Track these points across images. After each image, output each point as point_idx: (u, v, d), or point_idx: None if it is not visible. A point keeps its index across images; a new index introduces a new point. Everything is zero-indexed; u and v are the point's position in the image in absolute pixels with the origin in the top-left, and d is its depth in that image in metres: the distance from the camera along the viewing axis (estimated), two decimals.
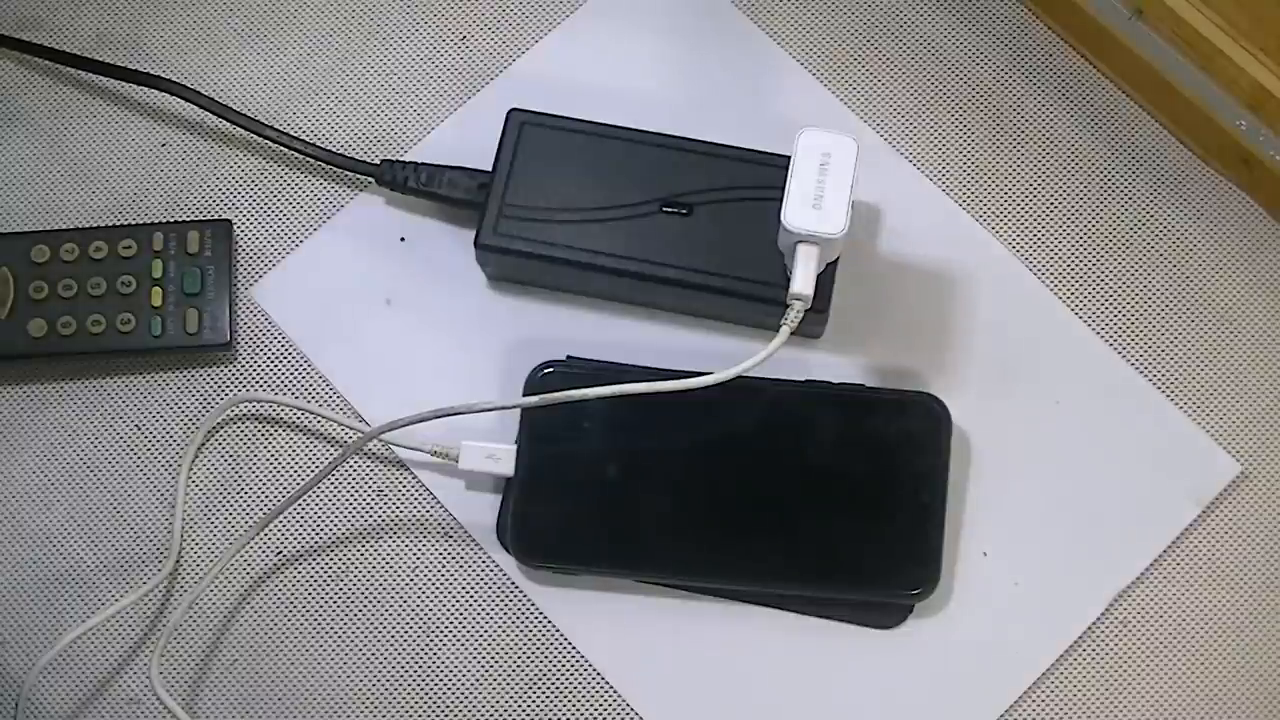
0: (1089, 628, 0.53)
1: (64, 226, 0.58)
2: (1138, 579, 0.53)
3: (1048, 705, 0.52)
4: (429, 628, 0.54)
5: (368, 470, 0.56)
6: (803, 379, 0.54)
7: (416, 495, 0.55)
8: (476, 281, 0.57)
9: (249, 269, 0.58)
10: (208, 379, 0.57)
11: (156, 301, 0.54)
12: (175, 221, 0.56)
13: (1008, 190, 0.58)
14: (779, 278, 0.52)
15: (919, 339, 0.56)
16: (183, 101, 0.59)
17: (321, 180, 0.60)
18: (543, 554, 0.53)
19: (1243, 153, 0.56)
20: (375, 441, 0.55)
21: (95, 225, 0.56)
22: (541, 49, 0.61)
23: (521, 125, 0.56)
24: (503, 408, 0.50)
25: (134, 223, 0.56)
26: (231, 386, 0.57)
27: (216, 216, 0.59)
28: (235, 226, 0.59)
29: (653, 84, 0.60)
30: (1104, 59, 0.59)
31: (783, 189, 0.50)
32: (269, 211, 0.59)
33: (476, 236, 0.55)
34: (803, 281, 0.50)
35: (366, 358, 0.57)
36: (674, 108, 0.59)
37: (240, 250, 0.59)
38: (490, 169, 0.55)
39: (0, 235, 0.57)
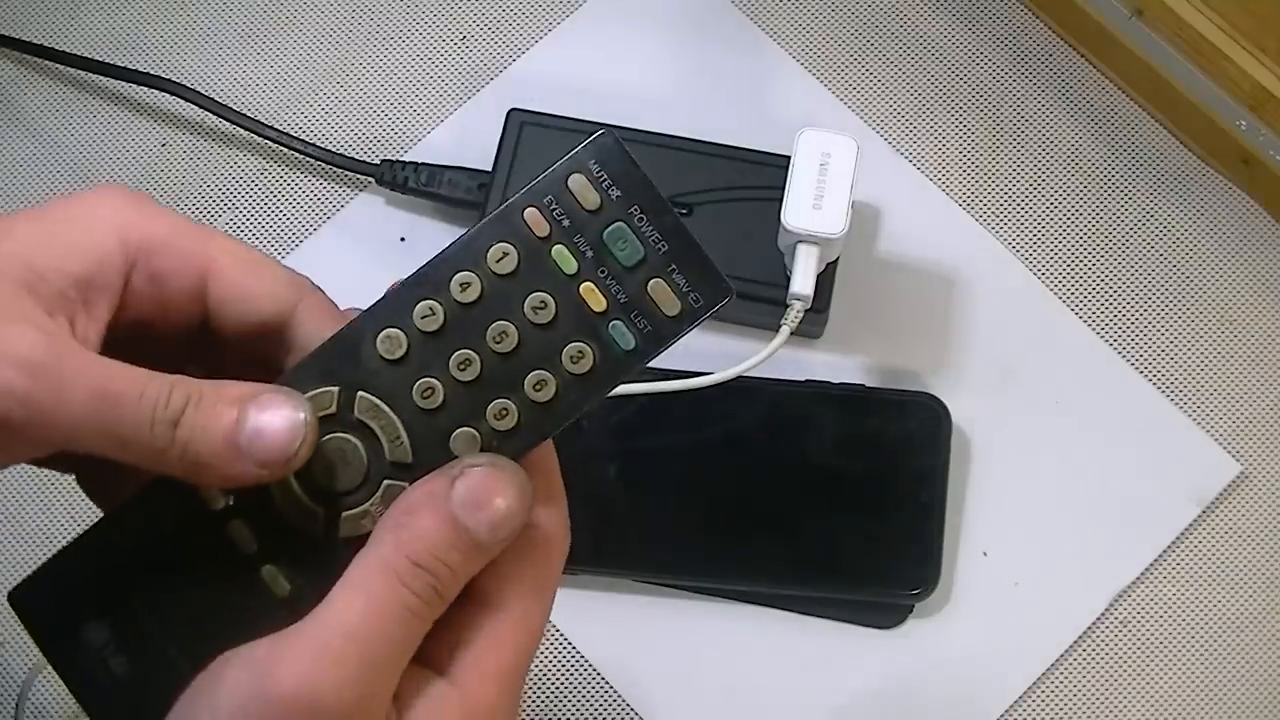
0: (1089, 628, 0.53)
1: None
2: (1138, 579, 0.53)
3: (1048, 705, 0.52)
4: None
5: None
6: (803, 379, 0.54)
7: None
8: None
9: None
10: None
11: (599, 304, 0.32)
12: (537, 179, 0.33)
13: (1008, 190, 0.58)
14: (779, 278, 0.52)
15: (919, 339, 0.56)
16: (183, 101, 0.59)
17: (321, 180, 0.60)
18: None
19: (1243, 153, 0.56)
20: None
21: (424, 264, 0.32)
22: (541, 49, 0.61)
23: (521, 125, 0.56)
24: None
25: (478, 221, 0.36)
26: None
27: (229, 217, 0.59)
28: (237, 227, 0.59)
29: (653, 84, 0.60)
30: (1104, 59, 0.59)
31: (783, 189, 0.50)
32: (269, 211, 0.59)
33: None
34: (803, 281, 0.50)
35: None
36: (674, 108, 0.59)
37: None
38: (490, 169, 0.55)
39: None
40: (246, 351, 0.33)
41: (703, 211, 0.54)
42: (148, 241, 0.32)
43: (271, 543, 0.31)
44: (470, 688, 0.31)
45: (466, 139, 0.59)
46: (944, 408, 0.53)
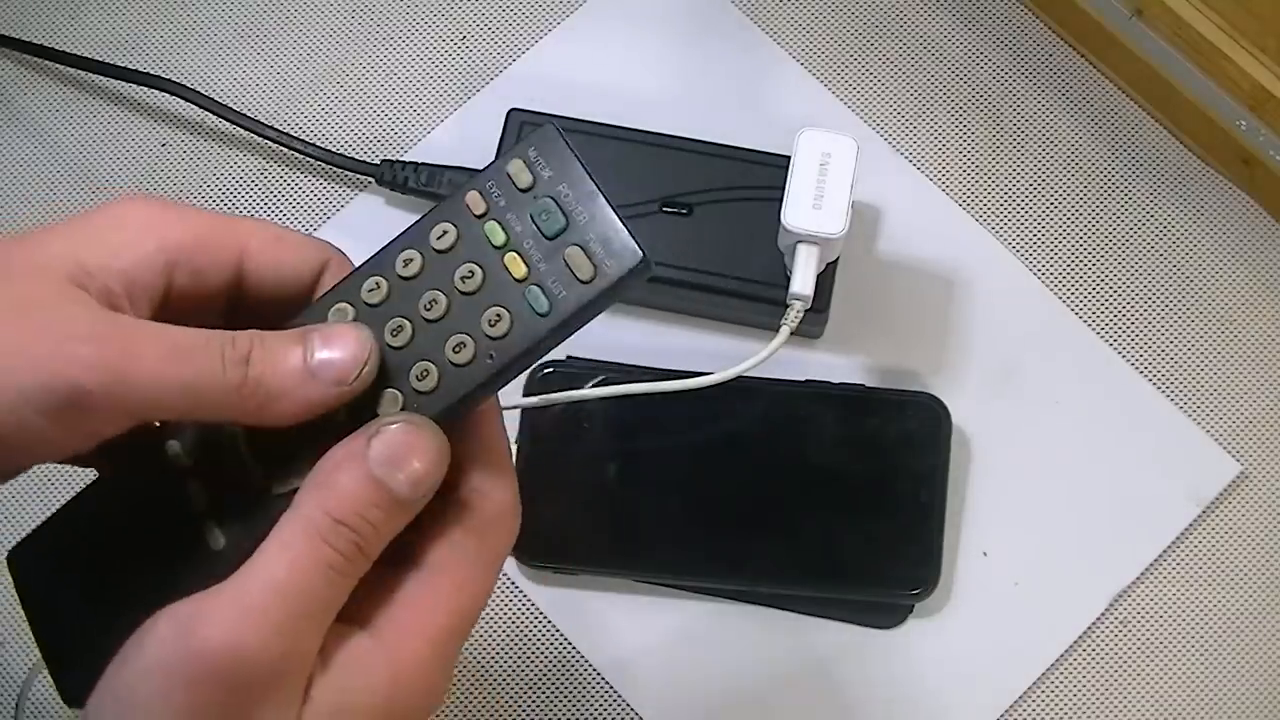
0: (1089, 628, 0.53)
1: None
2: (1138, 579, 0.53)
3: (1048, 705, 0.52)
4: None
5: None
6: (803, 379, 0.54)
7: None
8: None
9: None
10: None
11: (520, 271, 0.34)
12: (489, 166, 0.36)
13: (1008, 190, 0.58)
14: (779, 278, 0.52)
15: (919, 339, 0.56)
16: (183, 101, 0.59)
17: (321, 180, 0.60)
18: (543, 554, 0.53)
19: (1243, 153, 0.56)
20: None
21: (389, 241, 0.36)
22: (541, 49, 0.61)
23: (521, 125, 0.56)
24: (503, 409, 0.50)
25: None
26: None
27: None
28: None
29: (653, 84, 0.60)
30: (1104, 59, 0.59)
31: (783, 189, 0.50)
32: (269, 211, 0.59)
33: None
34: (803, 281, 0.50)
35: None
36: (674, 108, 0.59)
37: None
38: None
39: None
40: (278, 319, 0.35)
41: (703, 211, 0.54)
42: (185, 241, 0.34)
43: (217, 501, 0.33)
44: (395, 644, 0.32)
45: (466, 139, 0.59)
46: (944, 408, 0.53)
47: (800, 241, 0.50)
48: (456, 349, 0.34)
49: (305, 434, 0.33)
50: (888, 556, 0.52)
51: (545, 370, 0.54)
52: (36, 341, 0.30)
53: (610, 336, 0.56)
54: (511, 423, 0.54)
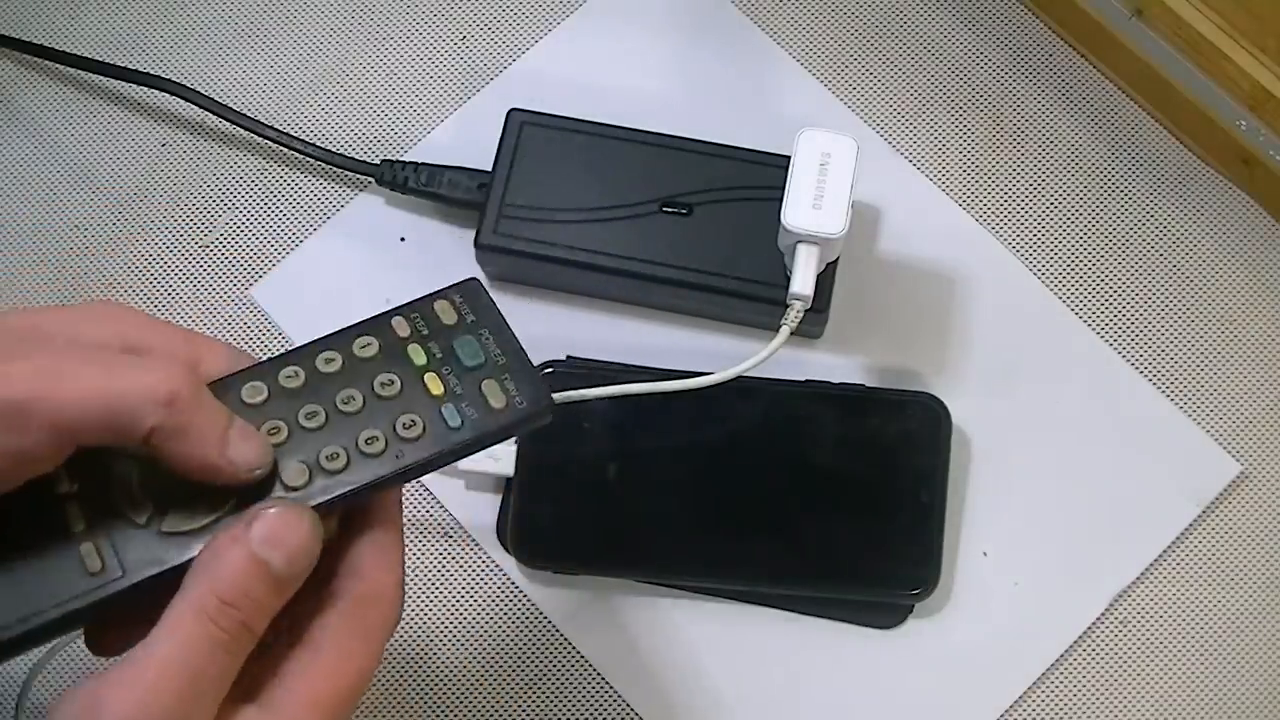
0: (1089, 628, 0.53)
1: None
2: (1138, 579, 0.53)
3: (1048, 705, 0.52)
4: (429, 628, 0.54)
5: None
6: (803, 379, 0.54)
7: (416, 495, 0.55)
8: None
9: (249, 269, 0.58)
10: None
11: (437, 390, 0.38)
12: (413, 300, 0.40)
13: (1008, 190, 0.58)
14: (779, 278, 0.52)
15: (919, 339, 0.56)
16: (183, 101, 0.59)
17: (321, 180, 0.60)
18: (543, 554, 0.53)
19: (1243, 153, 0.56)
20: None
21: (306, 342, 0.39)
22: (541, 49, 0.61)
23: (521, 125, 0.56)
24: None
25: (357, 321, 0.41)
26: None
27: (229, 217, 0.59)
28: (237, 227, 0.59)
29: (653, 84, 0.60)
30: (1104, 59, 0.59)
31: (783, 189, 0.50)
32: (269, 211, 0.59)
33: (476, 236, 0.55)
34: (803, 281, 0.50)
35: None
36: (674, 108, 0.59)
37: (240, 250, 0.59)
38: (490, 169, 0.55)
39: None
40: None
41: (703, 211, 0.54)
42: (145, 344, 0.36)
43: (98, 525, 0.35)
44: (285, 715, 0.34)
45: (466, 139, 0.59)
46: (944, 408, 0.53)
47: (800, 241, 0.50)
48: (369, 441, 0.37)
49: (198, 487, 0.35)
50: (888, 556, 0.52)
51: (545, 371, 0.54)
52: None
53: (610, 336, 0.56)
54: None
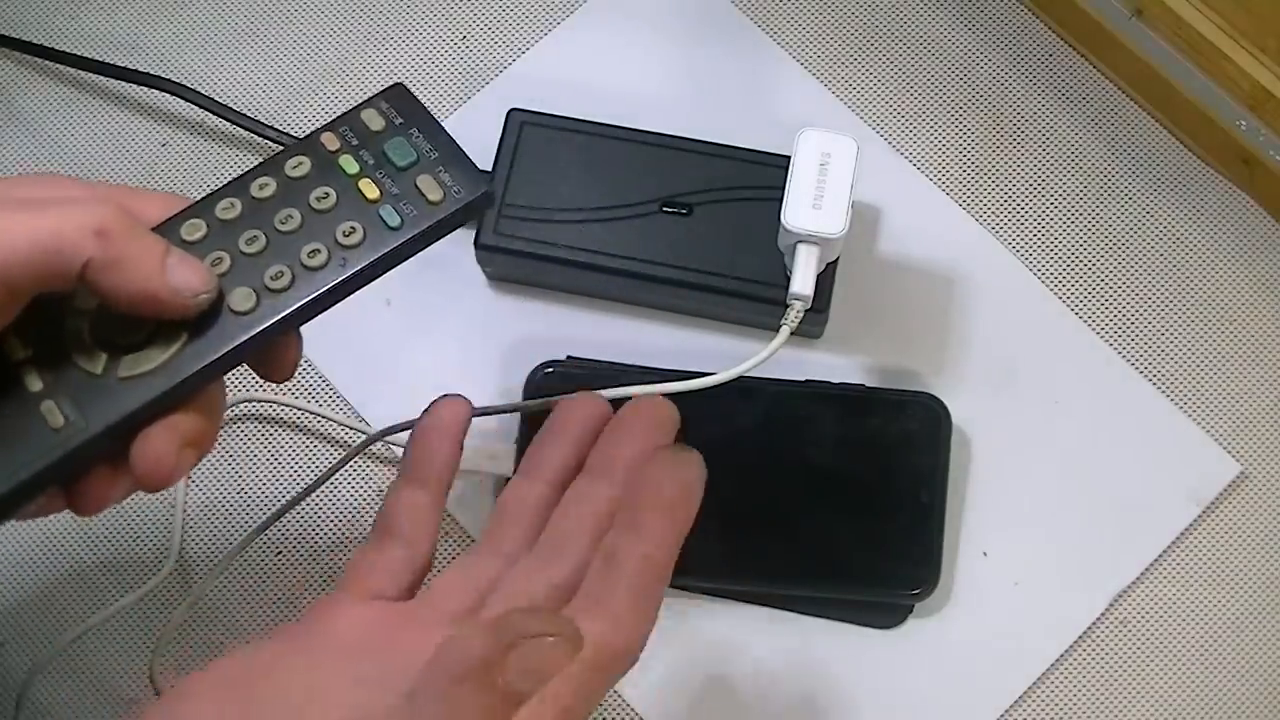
0: (1089, 628, 0.53)
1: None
2: (1138, 579, 0.53)
3: (1048, 705, 0.52)
4: None
5: (368, 470, 0.56)
6: (803, 379, 0.54)
7: None
8: (476, 281, 0.57)
9: None
10: None
11: (373, 194, 0.39)
12: (340, 115, 0.41)
13: (1008, 190, 0.58)
14: (779, 278, 0.52)
15: (919, 339, 0.56)
16: (183, 101, 0.59)
17: None
18: None
19: (1243, 153, 0.56)
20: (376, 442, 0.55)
21: (242, 173, 0.40)
22: (541, 49, 0.61)
23: (521, 125, 0.56)
24: (503, 410, 0.50)
25: (285, 140, 0.43)
26: (231, 387, 0.57)
27: None
28: None
29: (653, 84, 0.60)
30: (1104, 59, 0.59)
31: (783, 189, 0.50)
32: None
33: (476, 236, 0.55)
34: (803, 281, 0.50)
35: (366, 358, 0.57)
36: (674, 108, 0.59)
37: None
38: (490, 169, 0.55)
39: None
40: None
41: (703, 211, 0.54)
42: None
43: (54, 383, 0.35)
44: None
45: (466, 139, 0.58)
46: (944, 408, 0.53)
47: (800, 241, 0.50)
48: (311, 254, 0.38)
49: (149, 326, 0.36)
50: (888, 556, 0.52)
51: (545, 371, 0.54)
52: None
53: (610, 336, 0.56)
54: (511, 424, 0.54)
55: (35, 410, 0.35)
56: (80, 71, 0.60)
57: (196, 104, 0.59)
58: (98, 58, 0.60)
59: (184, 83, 0.59)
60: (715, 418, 0.53)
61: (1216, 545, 0.54)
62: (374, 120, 0.40)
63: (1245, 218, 0.58)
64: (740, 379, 0.49)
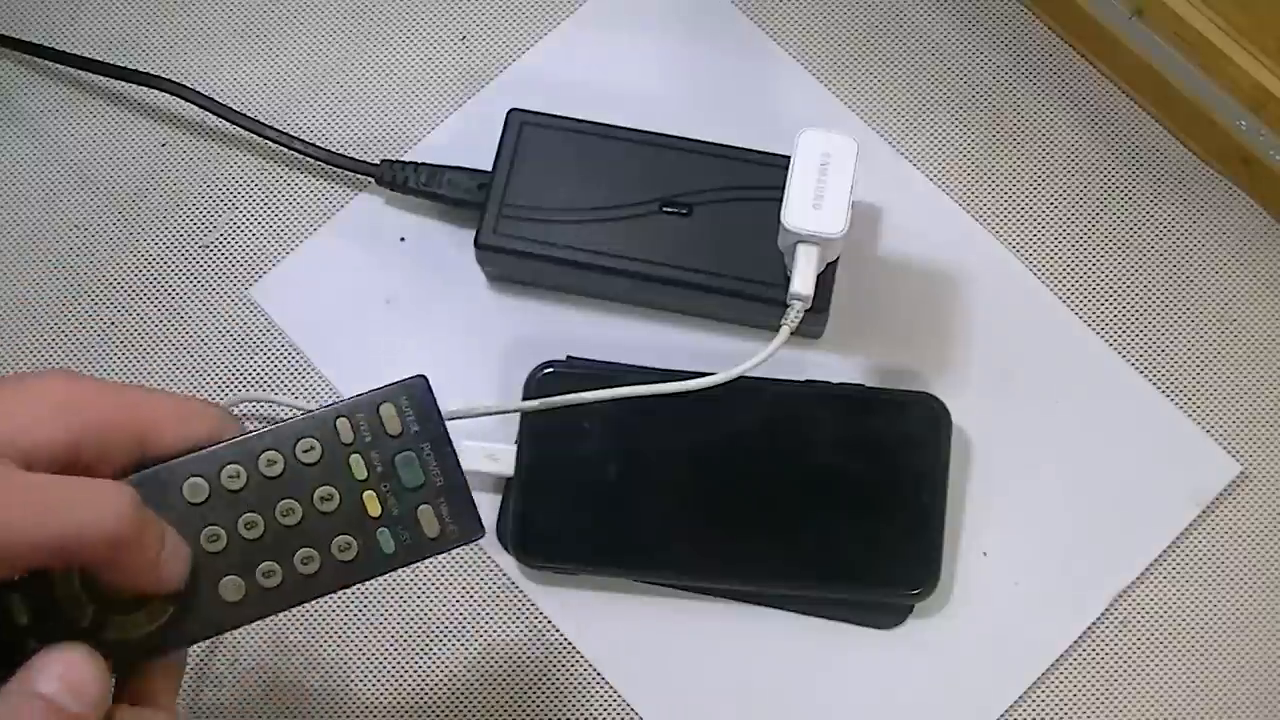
0: (1089, 628, 0.53)
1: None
2: (1138, 579, 0.53)
3: (1048, 705, 0.52)
4: (429, 628, 0.54)
5: None
6: (803, 379, 0.54)
7: None
8: (476, 281, 0.57)
9: (249, 269, 0.58)
10: (206, 380, 0.57)
11: (374, 510, 0.38)
12: (355, 397, 0.39)
13: (1008, 190, 0.58)
14: (779, 278, 0.52)
15: (919, 339, 0.56)
16: (183, 101, 0.59)
17: (321, 180, 0.60)
18: (543, 554, 0.53)
19: (1243, 153, 0.56)
20: None
21: (248, 433, 0.39)
22: (541, 49, 0.61)
23: (521, 125, 0.56)
24: (503, 411, 0.50)
25: (299, 414, 0.40)
26: (231, 387, 0.57)
27: (229, 217, 0.59)
28: (237, 227, 0.59)
29: (653, 84, 0.60)
30: (1104, 59, 0.59)
31: (783, 189, 0.50)
32: (269, 211, 0.59)
33: (476, 236, 0.55)
34: (803, 281, 0.50)
35: (366, 358, 0.57)
36: (674, 108, 0.59)
37: (240, 250, 0.59)
38: (490, 169, 0.55)
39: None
40: None
41: (703, 211, 0.54)
42: (92, 423, 0.35)
43: (42, 623, 0.35)
44: None
45: (466, 139, 0.59)
46: (944, 408, 0.53)
47: (800, 241, 0.50)
48: (305, 561, 0.38)
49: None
50: (888, 556, 0.52)
51: (545, 371, 0.54)
52: None
53: (610, 336, 0.56)
54: (511, 424, 0.54)
55: (22, 645, 0.35)
56: (80, 71, 0.60)
57: (196, 104, 0.59)
58: (98, 58, 0.60)
59: (184, 83, 0.59)
60: (715, 418, 0.53)
61: (1216, 545, 0.54)
62: (391, 420, 0.39)
63: (1245, 218, 0.58)
64: (740, 379, 0.49)
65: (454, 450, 0.39)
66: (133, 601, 0.36)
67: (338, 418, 0.39)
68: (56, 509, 0.33)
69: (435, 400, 0.39)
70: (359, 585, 0.38)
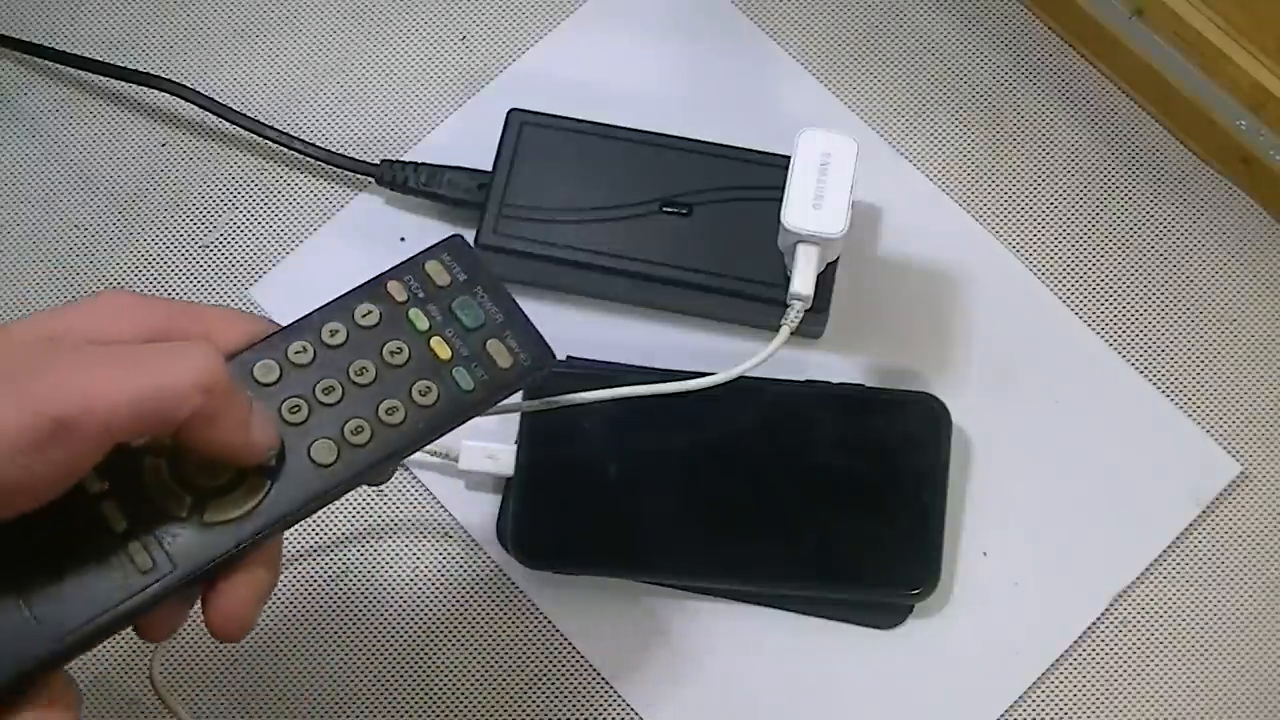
0: (1089, 628, 0.53)
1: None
2: (1138, 579, 0.53)
3: (1048, 705, 0.52)
4: (429, 628, 0.54)
5: None
6: (803, 379, 0.54)
7: (416, 495, 0.55)
8: None
9: (249, 269, 0.58)
10: None
11: (445, 354, 0.39)
12: (395, 265, 0.41)
13: (1008, 190, 0.58)
14: (779, 278, 0.52)
15: (919, 339, 0.56)
16: (183, 101, 0.59)
17: (321, 180, 0.60)
18: (543, 554, 0.53)
19: (1243, 153, 0.56)
20: None
21: (303, 316, 0.39)
22: (541, 49, 0.61)
23: (521, 125, 0.56)
24: (503, 411, 0.50)
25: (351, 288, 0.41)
26: None
27: (229, 217, 0.59)
28: (237, 227, 0.59)
29: (653, 84, 0.60)
30: (1104, 59, 0.59)
31: (783, 189, 0.50)
32: (269, 211, 0.59)
33: (476, 236, 0.55)
34: (803, 281, 0.50)
35: None
36: (674, 108, 0.59)
37: (240, 250, 0.59)
38: (490, 169, 0.55)
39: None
40: None
41: (703, 211, 0.54)
42: (156, 326, 0.36)
43: (139, 523, 0.35)
44: None
45: (466, 139, 0.59)
46: (944, 408, 0.53)
47: (800, 241, 0.50)
48: (389, 411, 0.38)
49: (227, 473, 0.36)
50: (888, 556, 0.52)
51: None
52: (5, 390, 0.32)
53: (610, 336, 0.56)
54: (511, 424, 0.54)
55: (123, 550, 0.35)
56: (80, 71, 0.60)
57: (196, 104, 0.59)
58: (98, 58, 0.60)
59: (184, 83, 0.59)
60: (715, 418, 0.53)
61: (1216, 545, 0.54)
62: (439, 274, 0.40)
63: (1245, 218, 0.58)
64: (740, 379, 0.49)
65: (506, 290, 0.40)
66: (227, 483, 0.36)
67: (387, 282, 0.40)
68: (151, 363, 0.34)
69: (475, 251, 0.40)
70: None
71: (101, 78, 0.60)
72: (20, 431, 0.31)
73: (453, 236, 0.41)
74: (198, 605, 0.37)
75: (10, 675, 0.33)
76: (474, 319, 0.40)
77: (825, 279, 0.52)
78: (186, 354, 0.34)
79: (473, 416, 0.39)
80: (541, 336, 0.40)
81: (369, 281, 0.40)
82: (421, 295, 0.40)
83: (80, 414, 0.32)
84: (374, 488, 0.55)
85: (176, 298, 0.58)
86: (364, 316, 0.39)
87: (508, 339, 0.40)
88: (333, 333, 0.39)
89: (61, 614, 0.34)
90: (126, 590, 0.34)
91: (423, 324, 0.39)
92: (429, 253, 0.40)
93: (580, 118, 0.56)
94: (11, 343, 0.34)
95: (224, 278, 0.58)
